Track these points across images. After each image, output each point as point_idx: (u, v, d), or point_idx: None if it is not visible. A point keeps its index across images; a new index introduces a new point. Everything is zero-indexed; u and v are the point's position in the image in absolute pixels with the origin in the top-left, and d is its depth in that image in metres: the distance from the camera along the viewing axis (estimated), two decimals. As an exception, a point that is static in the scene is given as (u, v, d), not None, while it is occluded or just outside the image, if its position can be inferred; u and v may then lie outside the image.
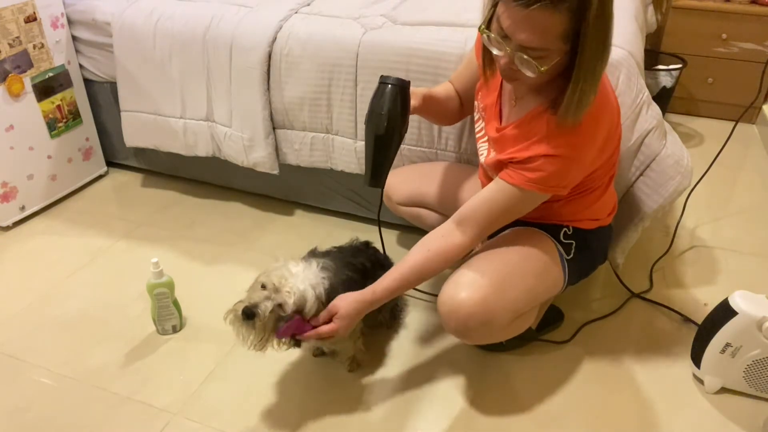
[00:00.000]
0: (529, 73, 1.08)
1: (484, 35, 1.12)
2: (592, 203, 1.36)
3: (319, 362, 1.53)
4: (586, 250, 1.40)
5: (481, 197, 1.25)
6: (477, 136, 1.41)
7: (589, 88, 1.08)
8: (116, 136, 2.31)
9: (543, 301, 1.44)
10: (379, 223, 1.61)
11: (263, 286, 1.23)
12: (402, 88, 1.26)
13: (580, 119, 1.11)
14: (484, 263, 1.29)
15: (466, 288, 1.25)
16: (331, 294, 1.27)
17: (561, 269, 1.36)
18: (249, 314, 1.16)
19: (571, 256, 1.37)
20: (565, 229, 1.37)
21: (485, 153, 1.35)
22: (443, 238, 1.27)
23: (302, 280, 1.23)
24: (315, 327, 1.26)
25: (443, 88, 1.47)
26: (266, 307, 1.18)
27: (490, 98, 1.32)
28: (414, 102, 1.33)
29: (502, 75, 1.16)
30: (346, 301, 1.26)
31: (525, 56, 1.05)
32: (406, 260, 1.28)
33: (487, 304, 1.24)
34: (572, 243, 1.37)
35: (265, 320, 1.18)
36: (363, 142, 1.84)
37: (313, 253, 1.41)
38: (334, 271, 1.31)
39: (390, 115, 1.25)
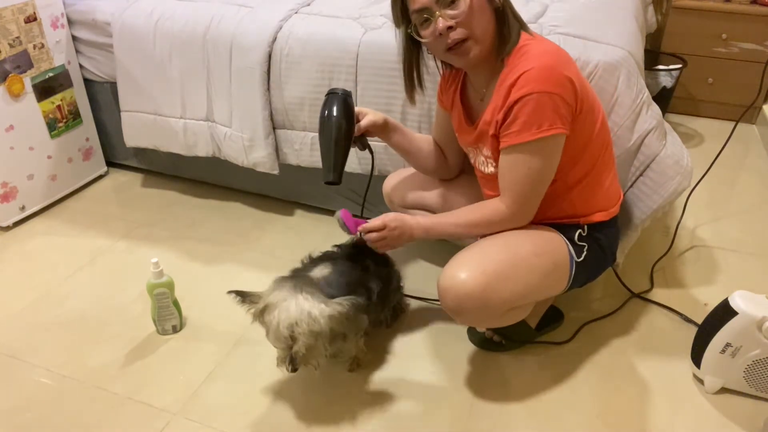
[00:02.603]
0: (462, 8, 1.18)
1: (410, 32, 1.26)
2: (599, 190, 1.37)
3: (319, 362, 1.53)
4: (598, 252, 1.40)
5: (499, 170, 1.30)
6: (476, 168, 1.46)
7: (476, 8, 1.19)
8: (116, 136, 2.31)
9: (542, 299, 1.44)
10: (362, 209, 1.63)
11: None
12: (343, 94, 1.40)
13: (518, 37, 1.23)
14: (495, 249, 1.30)
15: (470, 269, 1.26)
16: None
17: (568, 271, 1.36)
18: (295, 369, 1.26)
19: (582, 259, 1.37)
20: (580, 230, 1.37)
21: (490, 169, 1.37)
22: (488, 200, 1.36)
23: (300, 321, 1.23)
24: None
25: (424, 136, 1.60)
26: (298, 360, 1.25)
27: (457, 119, 1.42)
28: (372, 117, 1.44)
29: (449, 52, 1.24)
30: (395, 214, 1.36)
31: (445, 5, 1.18)
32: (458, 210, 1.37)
33: (488, 290, 1.25)
34: (585, 246, 1.38)
35: (305, 360, 1.26)
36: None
37: (311, 260, 1.41)
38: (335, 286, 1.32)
39: (335, 116, 1.37)
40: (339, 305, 1.24)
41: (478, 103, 1.36)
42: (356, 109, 1.44)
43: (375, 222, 1.34)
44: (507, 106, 1.21)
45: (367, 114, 1.45)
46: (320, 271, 1.35)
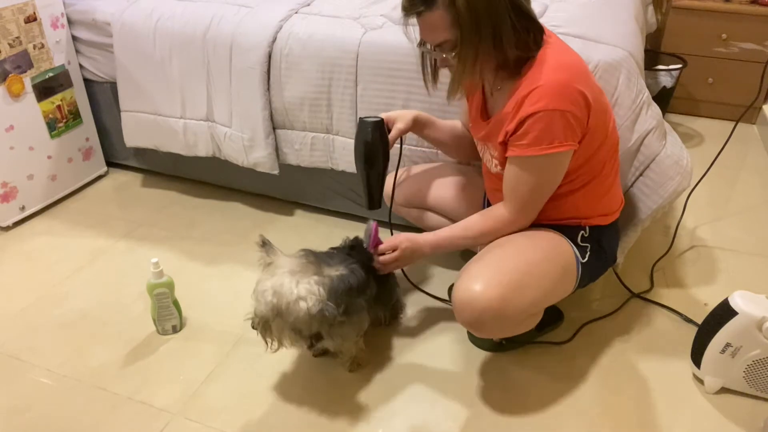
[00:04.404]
0: (450, 61, 1.22)
1: (420, 49, 1.29)
2: (604, 194, 1.37)
3: (319, 362, 1.53)
4: (599, 253, 1.41)
5: (504, 180, 1.32)
6: (483, 162, 1.47)
7: (470, 55, 1.19)
8: (116, 136, 2.31)
9: (554, 303, 1.45)
10: (391, 228, 1.64)
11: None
12: (376, 123, 1.43)
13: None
14: (507, 259, 1.30)
15: (486, 281, 1.26)
16: (332, 290, 1.27)
17: (575, 273, 1.37)
18: (253, 327, 1.29)
19: (586, 259, 1.38)
20: (582, 231, 1.38)
21: (496, 169, 1.38)
22: (492, 207, 1.38)
23: (272, 293, 1.24)
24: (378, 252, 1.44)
25: (450, 122, 1.59)
26: (256, 323, 1.28)
27: (473, 110, 1.41)
28: (401, 125, 1.46)
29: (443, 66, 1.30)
30: (406, 235, 1.41)
31: (441, 53, 1.22)
32: (463, 221, 1.40)
33: (506, 301, 1.25)
34: (588, 246, 1.38)
35: (266, 331, 1.27)
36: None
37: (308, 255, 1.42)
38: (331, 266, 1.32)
39: (368, 146, 1.43)
40: (314, 301, 1.23)
41: (492, 99, 1.36)
42: (385, 115, 1.47)
43: (389, 243, 1.41)
44: (519, 119, 1.21)
45: (396, 121, 1.47)
46: (336, 270, 1.34)
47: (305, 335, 1.28)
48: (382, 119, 1.45)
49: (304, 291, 1.23)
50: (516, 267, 1.28)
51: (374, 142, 1.43)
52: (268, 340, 1.29)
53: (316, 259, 1.32)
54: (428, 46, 1.25)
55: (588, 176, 1.32)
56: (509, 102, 1.24)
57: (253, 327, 1.28)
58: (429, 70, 1.34)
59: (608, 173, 1.36)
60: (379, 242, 1.45)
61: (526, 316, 1.32)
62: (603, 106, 1.28)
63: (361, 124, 1.44)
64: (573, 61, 1.22)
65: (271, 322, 1.25)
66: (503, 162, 1.31)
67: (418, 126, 1.52)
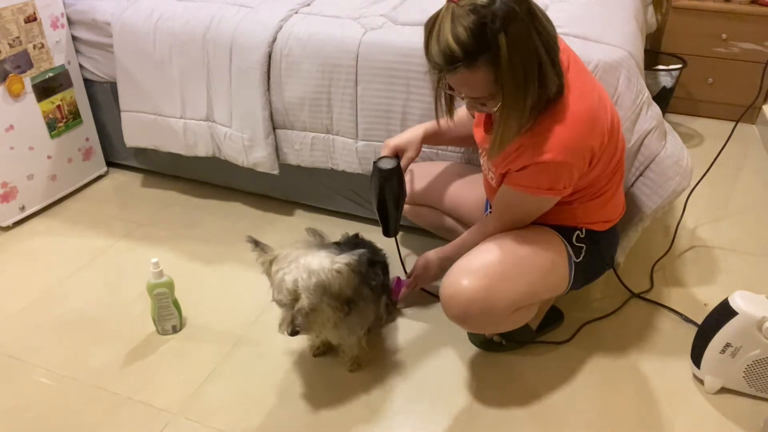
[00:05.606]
0: (485, 110, 1.21)
1: (445, 87, 1.23)
2: (604, 204, 1.37)
3: (319, 362, 1.53)
4: (595, 255, 1.41)
5: (496, 197, 1.35)
6: (482, 168, 1.46)
7: (514, 118, 1.14)
8: (116, 136, 2.31)
9: (544, 299, 1.45)
10: (400, 256, 1.69)
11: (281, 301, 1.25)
12: (392, 170, 1.44)
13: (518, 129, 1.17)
14: (491, 254, 1.31)
15: (469, 275, 1.27)
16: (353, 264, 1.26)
17: (567, 270, 1.36)
18: (294, 333, 1.23)
19: (580, 259, 1.38)
20: (578, 232, 1.38)
21: (492, 181, 1.39)
22: (483, 220, 1.44)
23: (309, 274, 1.22)
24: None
25: (458, 116, 1.55)
26: (300, 321, 1.23)
27: (477, 118, 1.41)
28: (412, 153, 1.50)
29: (472, 110, 1.30)
30: (422, 257, 1.54)
31: (476, 103, 1.18)
32: (462, 235, 1.49)
33: (489, 293, 1.26)
34: (583, 246, 1.38)
35: (307, 324, 1.24)
36: (364, 143, 1.85)
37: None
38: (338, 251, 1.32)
39: (386, 192, 1.47)
40: (347, 258, 1.23)
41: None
42: (394, 144, 1.49)
43: (411, 278, 1.57)
44: (523, 164, 1.21)
45: (406, 150, 1.49)
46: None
47: (347, 299, 1.27)
48: (398, 163, 1.45)
49: (328, 260, 1.23)
50: (502, 259, 1.29)
51: (392, 188, 1.46)
52: (314, 332, 1.27)
53: (321, 240, 1.34)
54: (448, 85, 1.21)
55: (591, 192, 1.33)
56: (516, 138, 1.20)
57: (292, 333, 1.21)
58: (444, 106, 1.30)
59: (611, 185, 1.35)
60: (402, 283, 1.59)
61: (514, 309, 1.31)
62: (612, 135, 1.26)
63: (376, 170, 1.45)
64: (586, 110, 1.19)
65: (320, 305, 1.21)
66: (500, 182, 1.33)
67: (427, 142, 1.54)
